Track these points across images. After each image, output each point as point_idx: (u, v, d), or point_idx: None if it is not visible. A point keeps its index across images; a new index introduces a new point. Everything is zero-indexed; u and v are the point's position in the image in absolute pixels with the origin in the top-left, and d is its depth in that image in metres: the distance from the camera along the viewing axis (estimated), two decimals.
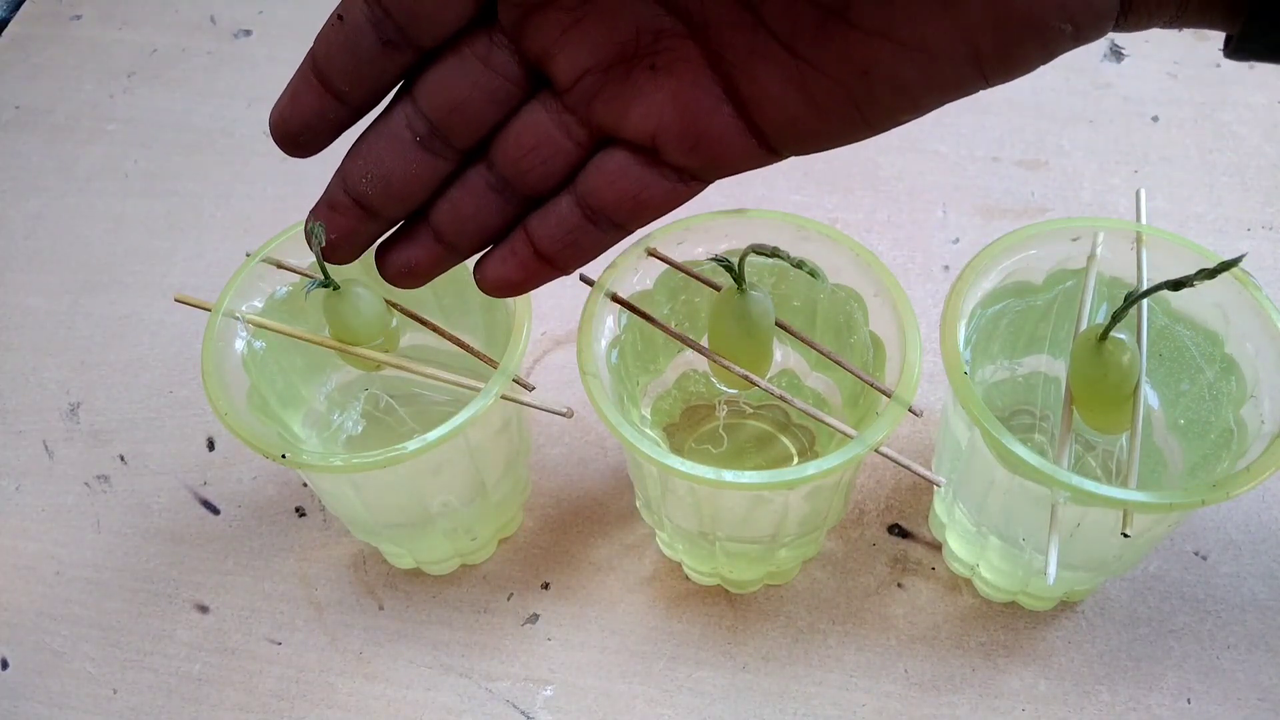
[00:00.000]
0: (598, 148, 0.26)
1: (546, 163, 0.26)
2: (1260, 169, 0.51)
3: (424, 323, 0.35)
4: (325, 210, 0.27)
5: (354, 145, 0.27)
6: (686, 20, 0.24)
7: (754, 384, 0.32)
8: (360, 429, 0.39)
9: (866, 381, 0.31)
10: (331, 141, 0.26)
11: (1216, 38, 0.57)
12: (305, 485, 0.42)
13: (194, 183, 0.53)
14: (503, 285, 0.28)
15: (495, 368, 0.31)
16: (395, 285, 0.28)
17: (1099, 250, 0.34)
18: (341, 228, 0.27)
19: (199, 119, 0.56)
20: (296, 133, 0.26)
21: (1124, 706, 0.36)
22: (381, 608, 0.39)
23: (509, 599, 0.40)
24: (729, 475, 0.28)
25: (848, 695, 0.37)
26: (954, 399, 0.31)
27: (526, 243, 0.27)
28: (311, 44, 0.25)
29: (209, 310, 0.33)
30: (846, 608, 0.39)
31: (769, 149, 0.25)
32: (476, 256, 0.28)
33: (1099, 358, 0.30)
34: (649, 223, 0.27)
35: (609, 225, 0.27)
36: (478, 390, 0.31)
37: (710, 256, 0.31)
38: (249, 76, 0.58)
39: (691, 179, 0.26)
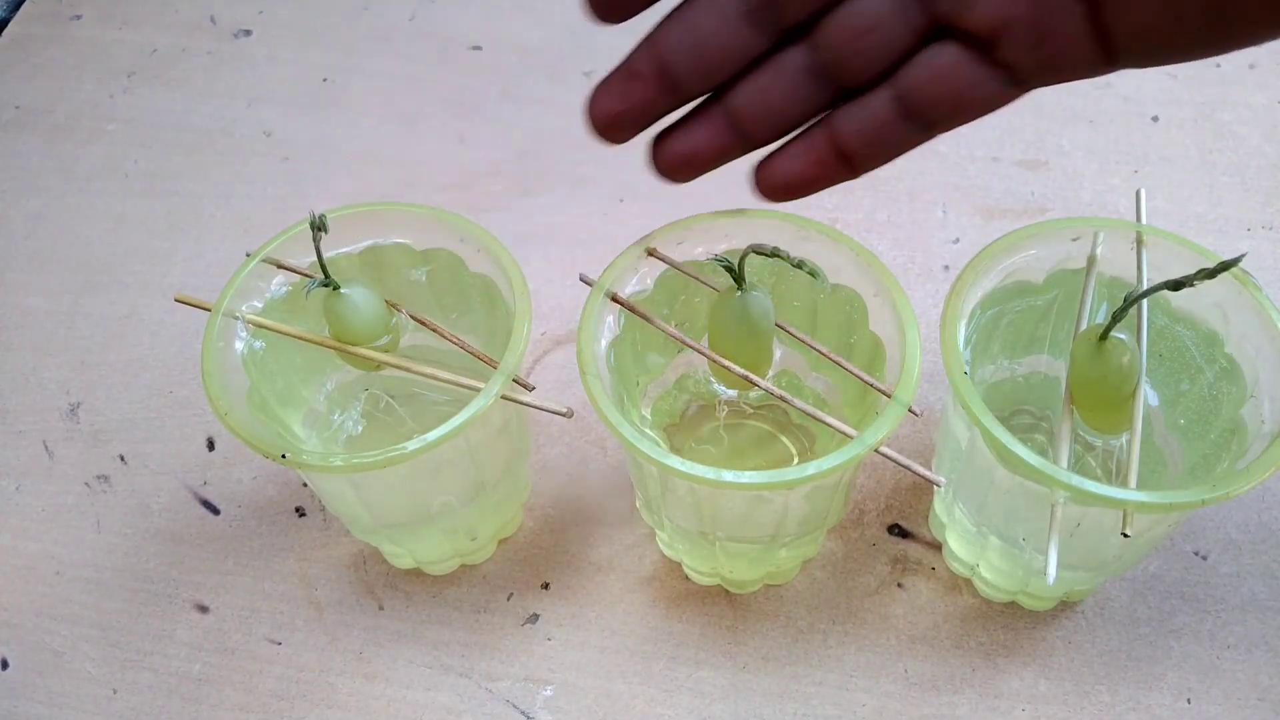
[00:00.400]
0: (929, 40, 0.25)
1: (874, 49, 0.25)
2: (1260, 169, 0.51)
3: (424, 323, 0.35)
4: (621, 80, 0.26)
5: (673, 11, 0.25)
6: None
7: (754, 384, 0.32)
8: (360, 429, 0.39)
9: (866, 382, 0.31)
10: (644, 9, 0.25)
11: None
12: (305, 485, 0.42)
13: (194, 183, 0.53)
14: (790, 184, 0.27)
15: (495, 368, 0.31)
16: (668, 177, 0.27)
17: (1099, 250, 0.34)
18: (636, 99, 0.26)
19: (199, 119, 0.56)
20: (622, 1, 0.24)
21: (1124, 706, 0.36)
22: (381, 608, 0.39)
23: (509, 599, 0.40)
24: (729, 475, 0.28)
25: (847, 695, 0.37)
26: (954, 399, 0.31)
27: (828, 138, 0.26)
28: None
29: (209, 310, 0.33)
30: (846, 608, 0.39)
31: (1108, 57, 0.24)
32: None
33: (1099, 358, 0.30)
34: (961, 125, 0.26)
35: (921, 125, 0.26)
36: (478, 390, 0.31)
37: (710, 256, 0.31)
38: (249, 76, 0.58)
39: (1018, 83, 0.25)
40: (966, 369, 0.31)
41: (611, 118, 0.26)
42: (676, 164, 0.27)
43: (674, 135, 0.27)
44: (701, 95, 0.26)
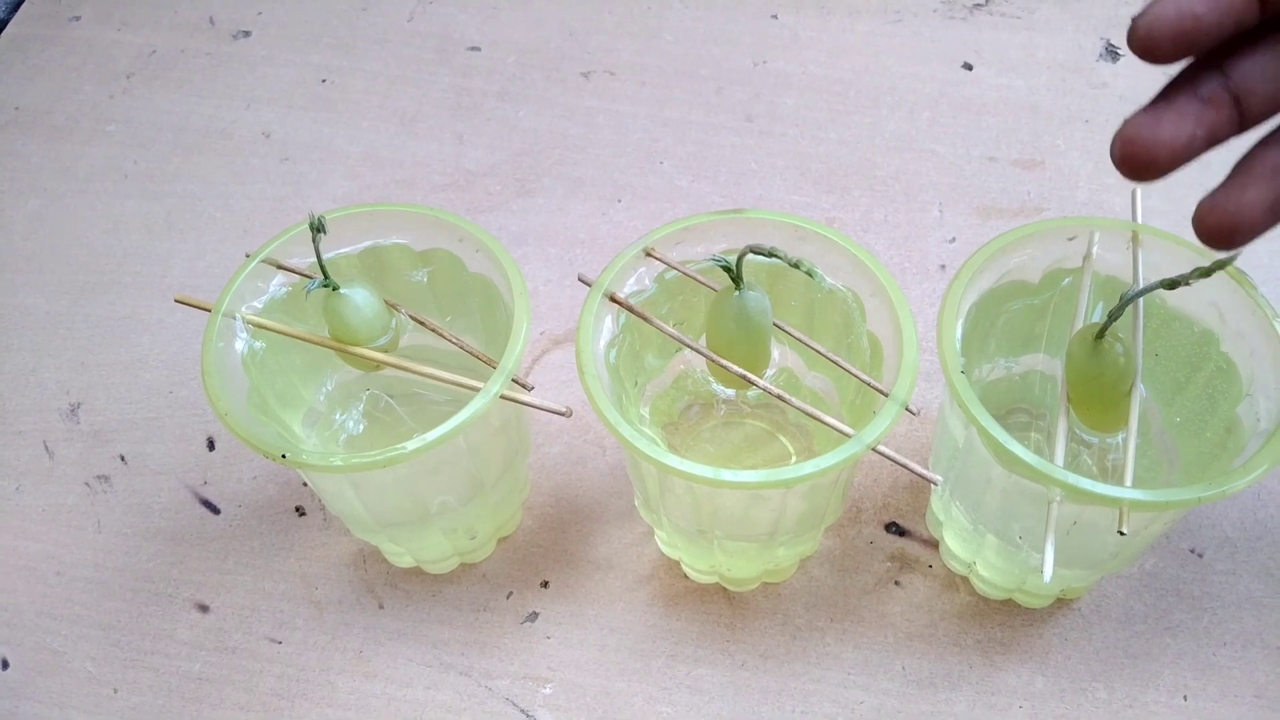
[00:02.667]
0: None
1: None
2: None
3: (424, 323, 0.35)
4: (1191, 101, 0.24)
5: (1254, 45, 0.24)
6: None
7: (752, 383, 0.32)
8: (360, 429, 0.39)
9: (864, 381, 0.31)
10: (1190, 56, 0.23)
11: None
12: (305, 485, 0.43)
13: (194, 183, 0.53)
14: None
15: (495, 368, 0.32)
16: (1214, 243, 0.25)
17: (1095, 249, 0.34)
18: (1200, 124, 0.24)
19: (198, 119, 0.56)
20: (1169, 38, 0.23)
21: (1121, 703, 0.37)
22: (381, 607, 0.40)
23: (508, 597, 0.40)
24: (727, 474, 0.29)
25: (845, 693, 0.37)
26: (950, 398, 0.32)
27: None
28: None
29: (209, 310, 0.33)
30: (844, 605, 0.39)
31: None
32: None
33: (1095, 357, 0.30)
34: None
35: None
36: (477, 390, 0.31)
37: (708, 257, 0.31)
38: (248, 77, 0.58)
39: None
40: (963, 368, 0.31)
41: (1153, 154, 0.24)
42: (1220, 233, 0.26)
43: (1222, 194, 0.25)
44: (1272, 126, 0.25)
